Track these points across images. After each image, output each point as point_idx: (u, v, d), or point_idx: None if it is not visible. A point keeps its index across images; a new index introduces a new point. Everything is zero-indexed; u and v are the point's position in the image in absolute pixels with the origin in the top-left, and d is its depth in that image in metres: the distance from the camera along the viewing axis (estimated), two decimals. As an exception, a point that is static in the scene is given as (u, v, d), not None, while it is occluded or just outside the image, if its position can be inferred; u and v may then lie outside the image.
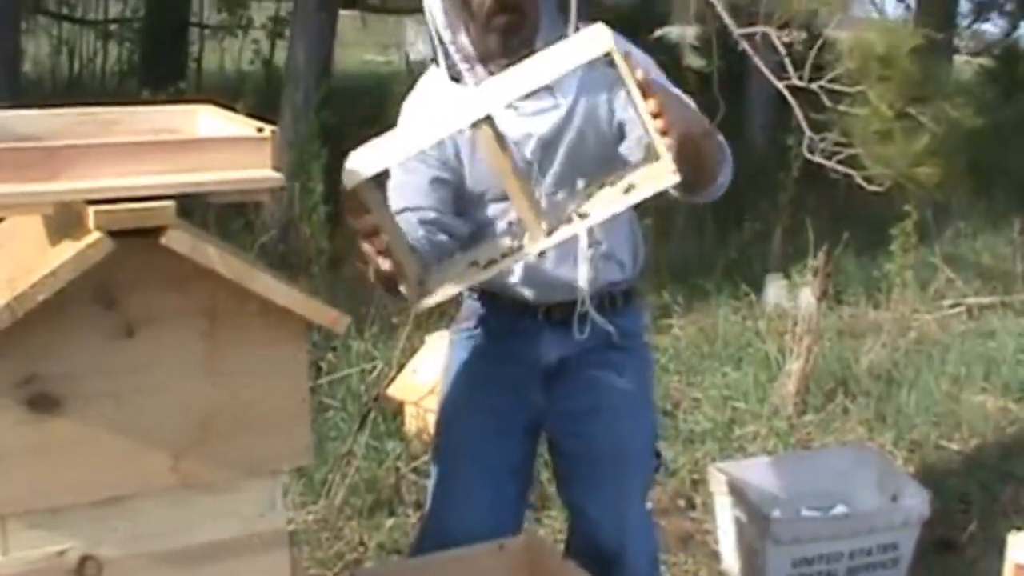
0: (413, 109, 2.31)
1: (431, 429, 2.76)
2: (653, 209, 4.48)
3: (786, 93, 5.36)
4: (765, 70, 5.65)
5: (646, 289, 5.51)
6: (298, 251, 5.64)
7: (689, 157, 1.78)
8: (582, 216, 1.85)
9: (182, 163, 1.55)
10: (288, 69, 6.86)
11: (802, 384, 4.65)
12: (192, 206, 1.58)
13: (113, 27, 11.43)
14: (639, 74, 1.72)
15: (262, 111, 4.72)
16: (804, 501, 3.45)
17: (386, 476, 3.80)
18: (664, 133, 1.73)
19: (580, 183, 2.20)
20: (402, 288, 1.92)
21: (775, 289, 6.06)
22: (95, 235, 1.47)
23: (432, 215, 2.16)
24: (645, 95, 1.72)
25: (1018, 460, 4.29)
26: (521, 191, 1.81)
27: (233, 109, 1.90)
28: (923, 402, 4.71)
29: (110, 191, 1.49)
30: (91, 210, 1.47)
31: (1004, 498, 3.95)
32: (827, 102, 5.24)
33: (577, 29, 2.15)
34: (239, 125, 1.72)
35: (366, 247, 1.82)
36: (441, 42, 2.20)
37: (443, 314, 4.11)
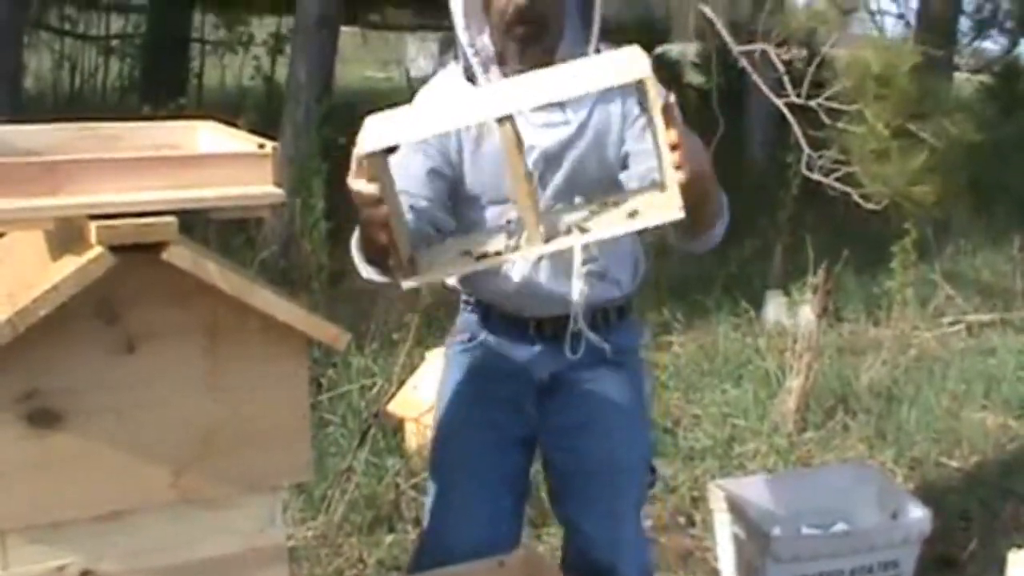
0: (426, 101, 2.30)
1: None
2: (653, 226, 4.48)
3: (785, 110, 5.38)
4: (764, 87, 5.68)
5: (646, 306, 5.52)
6: (299, 267, 5.65)
7: (695, 196, 1.78)
8: (582, 230, 1.85)
9: (183, 179, 1.55)
10: (289, 85, 6.87)
11: (802, 401, 4.65)
12: (193, 222, 1.59)
13: (114, 43, 11.49)
14: (664, 101, 1.71)
15: (263, 127, 4.73)
16: (804, 519, 3.44)
17: (386, 492, 3.80)
18: (678, 167, 1.73)
19: (578, 200, 2.19)
20: (391, 262, 1.89)
21: (775, 306, 6.06)
22: (97, 250, 1.47)
23: (424, 204, 2.14)
24: (667, 125, 1.72)
25: (1019, 477, 4.28)
26: (527, 194, 1.80)
27: (235, 125, 1.91)
28: (923, 419, 4.71)
29: (112, 206, 1.49)
30: (93, 225, 1.47)
31: (1005, 515, 3.94)
32: (826, 119, 5.27)
33: (598, 49, 2.15)
34: (240, 141, 1.73)
35: (366, 214, 1.80)
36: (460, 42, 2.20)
37: (444, 330, 4.10)
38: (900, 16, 12.10)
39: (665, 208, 1.78)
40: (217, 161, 1.60)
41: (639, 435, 2.49)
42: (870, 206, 5.21)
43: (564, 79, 1.75)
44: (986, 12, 12.55)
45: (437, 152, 2.22)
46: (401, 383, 4.29)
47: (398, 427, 4.20)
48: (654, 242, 3.53)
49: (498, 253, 1.87)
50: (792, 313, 5.74)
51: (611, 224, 1.84)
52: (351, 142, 1.80)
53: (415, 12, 12.72)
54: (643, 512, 2.57)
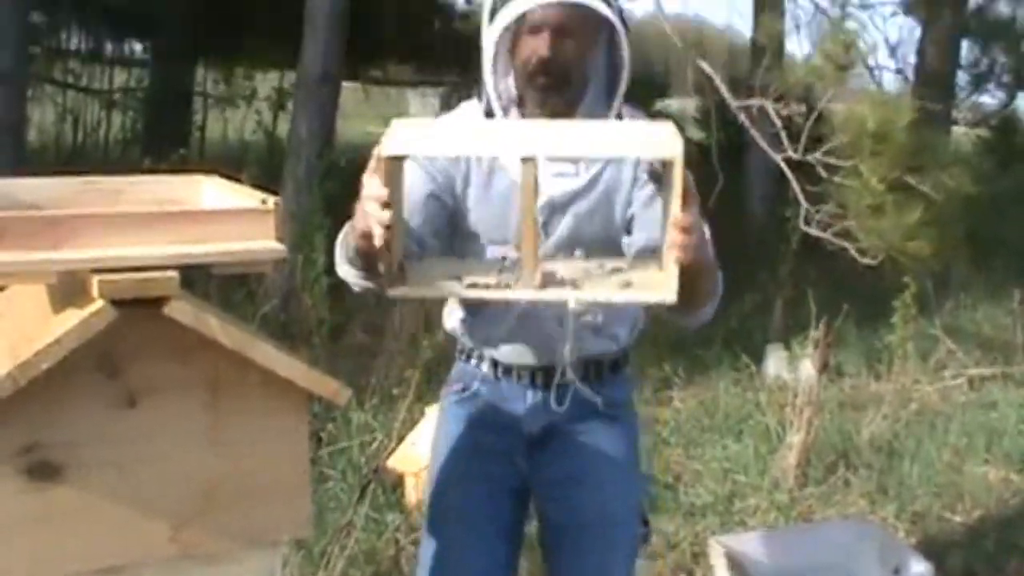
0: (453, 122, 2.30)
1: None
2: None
3: (783, 166, 5.41)
4: (762, 143, 5.72)
5: (646, 361, 5.52)
6: (299, 321, 5.65)
7: (692, 281, 1.80)
8: (575, 287, 1.85)
9: (186, 234, 1.56)
10: (291, 140, 6.91)
11: (803, 456, 4.63)
12: (195, 276, 1.59)
13: (117, 96, 11.59)
14: (685, 185, 1.72)
15: (265, 182, 4.75)
16: (806, 575, 3.43)
17: (385, 548, 3.78)
18: (681, 252, 1.74)
19: (578, 253, 2.19)
20: (380, 267, 1.86)
21: (776, 361, 6.06)
22: (98, 304, 1.48)
23: (416, 221, 2.14)
24: (684, 205, 1.73)
25: (1022, 531, 4.26)
26: (532, 236, 1.79)
27: (238, 180, 1.92)
28: (925, 474, 4.69)
29: (114, 260, 1.50)
30: (95, 279, 1.48)
31: (1009, 570, 3.93)
32: (823, 174, 5.29)
33: (620, 115, 2.17)
34: (243, 196, 1.74)
35: (370, 210, 1.77)
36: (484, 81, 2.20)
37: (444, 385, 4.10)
38: (899, 71, 12.16)
39: (658, 289, 1.79)
40: (219, 216, 1.61)
41: (632, 488, 2.48)
42: (866, 260, 5.22)
43: (597, 139, 1.75)
44: (983, 66, 12.62)
45: (442, 179, 2.22)
46: (401, 438, 4.28)
47: (398, 482, 4.19)
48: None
49: (489, 287, 1.85)
50: (793, 368, 5.73)
51: (604, 290, 1.84)
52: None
53: (416, 68, 12.81)
54: (636, 565, 2.55)
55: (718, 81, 5.80)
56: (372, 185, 1.77)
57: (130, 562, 1.59)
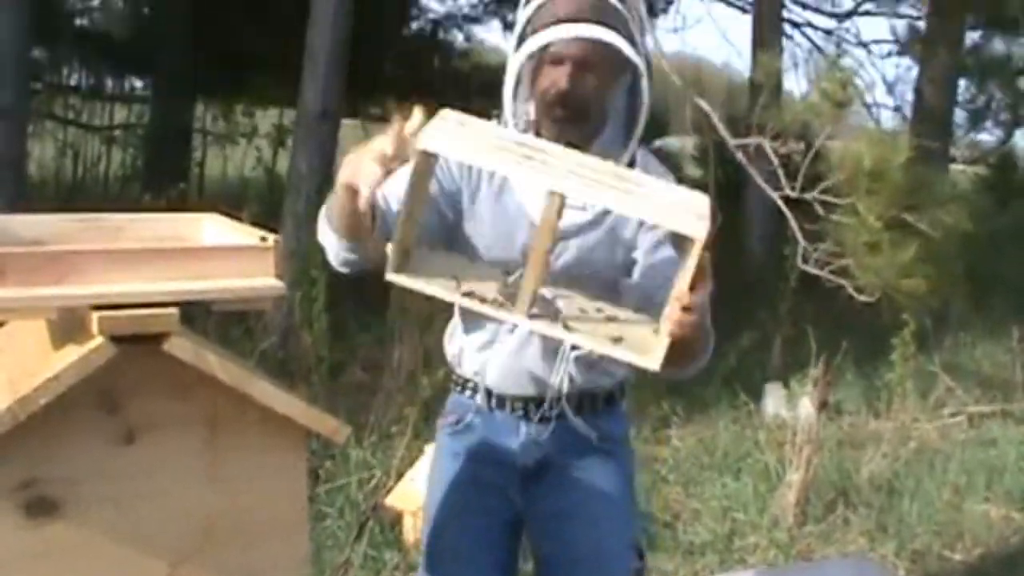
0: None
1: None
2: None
3: (780, 203, 5.42)
4: (760, 181, 5.73)
5: (645, 399, 5.51)
6: (298, 358, 5.64)
7: (679, 349, 1.82)
8: (567, 327, 1.85)
9: (186, 271, 1.57)
10: (290, 177, 6.93)
11: (802, 495, 4.62)
12: (194, 312, 1.60)
13: (117, 132, 11.63)
14: (700, 263, 1.73)
15: (264, 218, 4.77)
16: (806, 613, 3.41)
17: (383, 586, 3.76)
18: (678, 326, 1.75)
19: (575, 287, 2.18)
20: (390, 248, 1.82)
21: (775, 399, 6.05)
22: (98, 340, 1.48)
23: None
24: (694, 285, 1.74)
25: (1022, 570, 4.25)
26: (541, 266, 1.79)
27: (238, 217, 1.92)
28: (925, 512, 4.68)
29: (114, 297, 1.51)
30: (95, 315, 1.48)
31: (1009, 609, 3.91)
32: (821, 212, 5.30)
33: (632, 162, 2.17)
34: (243, 234, 1.75)
35: (366, 167, 1.74)
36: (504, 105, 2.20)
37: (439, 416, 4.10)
38: (896, 108, 12.22)
39: (646, 354, 1.80)
40: (219, 253, 1.61)
41: (626, 523, 2.47)
42: (863, 298, 5.23)
43: (628, 195, 1.73)
44: (980, 103, 12.67)
45: (448, 188, 2.21)
46: (399, 476, 4.27)
47: (396, 520, 4.17)
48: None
49: (483, 302, 1.84)
50: (792, 406, 5.73)
51: (593, 336, 1.84)
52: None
53: (415, 106, 12.88)
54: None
55: (716, 119, 5.82)
56: (381, 141, 1.75)
57: (127, 599, 1.58)
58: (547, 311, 1.85)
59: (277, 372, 4.95)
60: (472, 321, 2.32)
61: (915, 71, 11.07)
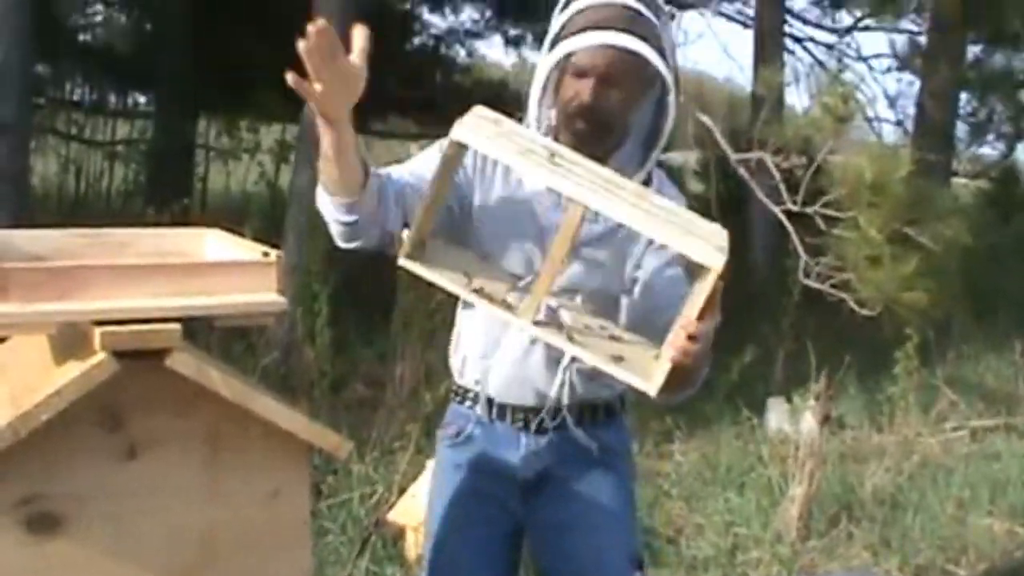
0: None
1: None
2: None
3: (783, 218, 5.43)
4: (761, 195, 5.74)
5: (647, 414, 5.50)
6: (300, 374, 5.64)
7: (676, 379, 1.83)
8: (570, 339, 1.85)
9: (188, 286, 1.57)
10: (292, 192, 6.93)
11: (805, 509, 4.61)
12: (196, 328, 1.60)
13: (120, 148, 11.65)
14: (711, 294, 1.73)
15: (267, 233, 4.76)
16: (809, 628, 3.40)
17: (386, 601, 3.75)
18: (681, 354, 1.76)
19: (577, 298, 2.17)
20: (405, 234, 1.84)
21: (777, 413, 6.04)
22: (100, 355, 1.48)
23: (411, 195, 2.07)
24: (703, 315, 1.74)
25: (1026, 585, 4.24)
26: (553, 272, 1.79)
27: (240, 232, 1.92)
28: (928, 526, 4.67)
29: (116, 312, 1.50)
30: (97, 331, 1.48)
31: (1014, 624, 3.90)
32: (822, 226, 5.31)
33: (647, 179, 2.16)
34: (245, 249, 1.75)
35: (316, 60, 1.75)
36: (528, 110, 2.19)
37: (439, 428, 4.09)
38: (898, 122, 12.21)
39: (645, 377, 1.81)
40: (221, 269, 1.61)
41: (626, 535, 2.46)
42: (864, 311, 5.22)
43: (649, 216, 1.74)
44: (981, 117, 12.66)
45: (461, 185, 2.19)
46: (402, 491, 4.26)
47: (399, 535, 4.16)
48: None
49: (492, 301, 1.84)
50: (794, 420, 5.71)
51: (593, 352, 1.84)
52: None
53: (418, 121, 12.86)
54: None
55: (718, 134, 5.83)
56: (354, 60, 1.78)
57: (129, 615, 1.58)
58: (552, 320, 1.86)
59: (279, 387, 4.95)
60: (472, 329, 2.32)
61: (916, 85, 11.07)
